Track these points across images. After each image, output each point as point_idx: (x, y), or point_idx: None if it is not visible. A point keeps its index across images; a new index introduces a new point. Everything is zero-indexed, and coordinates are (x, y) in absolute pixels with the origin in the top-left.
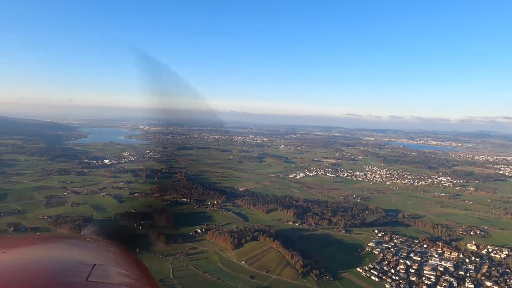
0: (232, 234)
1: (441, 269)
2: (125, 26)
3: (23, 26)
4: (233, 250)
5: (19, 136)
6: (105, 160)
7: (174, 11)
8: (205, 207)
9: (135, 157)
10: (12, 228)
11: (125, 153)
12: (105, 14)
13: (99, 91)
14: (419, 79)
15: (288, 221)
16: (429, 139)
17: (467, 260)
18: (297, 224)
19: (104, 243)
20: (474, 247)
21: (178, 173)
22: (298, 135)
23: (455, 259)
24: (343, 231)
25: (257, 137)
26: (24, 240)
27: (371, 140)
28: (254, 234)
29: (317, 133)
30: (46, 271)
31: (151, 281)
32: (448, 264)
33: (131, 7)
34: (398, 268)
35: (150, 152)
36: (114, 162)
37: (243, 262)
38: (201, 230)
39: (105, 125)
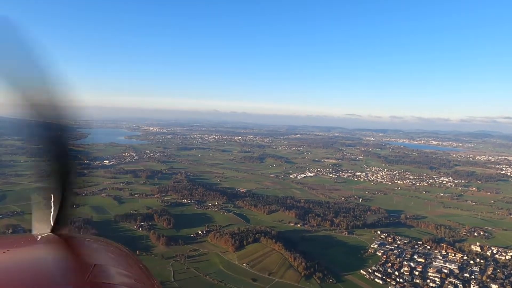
0: (233, 235)
1: (446, 271)
2: (126, 27)
3: (23, 26)
4: (234, 252)
5: (18, 137)
6: (105, 161)
7: (174, 13)
8: (206, 208)
9: (135, 158)
10: (10, 230)
11: (125, 153)
12: (106, 14)
13: (99, 91)
14: (420, 79)
15: (289, 222)
16: (430, 139)
17: (471, 262)
18: (299, 226)
19: (104, 243)
20: (478, 249)
21: (179, 174)
22: (298, 135)
23: (460, 261)
24: (346, 232)
25: (258, 137)
26: (24, 240)
27: (372, 140)
28: (256, 235)
29: (317, 133)
30: (46, 271)
31: (152, 282)
32: (452, 266)
33: (133, 7)
34: (402, 270)
35: (150, 152)
36: (114, 162)
37: (244, 264)
38: (202, 231)
39: (105, 125)
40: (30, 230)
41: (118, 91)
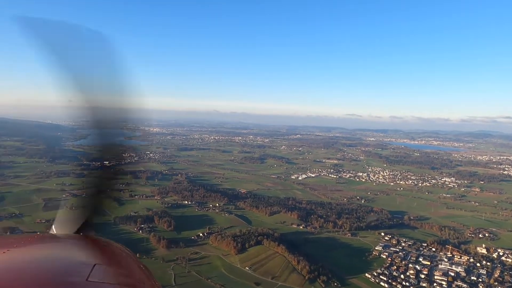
0: (235, 238)
1: (452, 274)
2: (126, 27)
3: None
4: (236, 255)
5: (18, 138)
6: (104, 162)
7: (174, 13)
8: (207, 210)
9: (135, 158)
10: (8, 233)
11: (124, 154)
12: (105, 14)
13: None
14: (420, 79)
15: (292, 224)
16: (431, 139)
17: (478, 264)
18: (301, 227)
19: (104, 243)
20: (484, 251)
21: (179, 175)
22: (299, 135)
23: (466, 263)
24: (349, 234)
25: (258, 137)
26: (24, 240)
27: (372, 140)
28: (258, 238)
29: (317, 134)
30: (46, 271)
31: (152, 282)
32: (459, 269)
33: (133, 7)
34: (407, 274)
35: (150, 153)
36: (114, 163)
37: (247, 267)
38: (203, 234)
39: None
40: (28, 232)
41: None
